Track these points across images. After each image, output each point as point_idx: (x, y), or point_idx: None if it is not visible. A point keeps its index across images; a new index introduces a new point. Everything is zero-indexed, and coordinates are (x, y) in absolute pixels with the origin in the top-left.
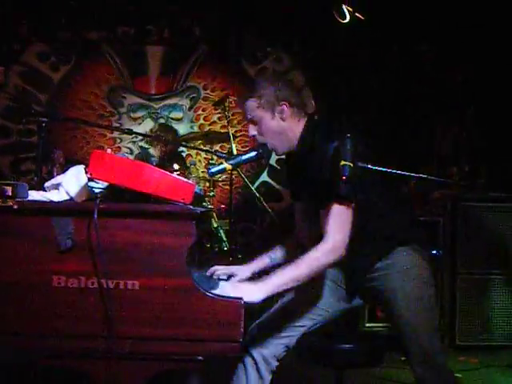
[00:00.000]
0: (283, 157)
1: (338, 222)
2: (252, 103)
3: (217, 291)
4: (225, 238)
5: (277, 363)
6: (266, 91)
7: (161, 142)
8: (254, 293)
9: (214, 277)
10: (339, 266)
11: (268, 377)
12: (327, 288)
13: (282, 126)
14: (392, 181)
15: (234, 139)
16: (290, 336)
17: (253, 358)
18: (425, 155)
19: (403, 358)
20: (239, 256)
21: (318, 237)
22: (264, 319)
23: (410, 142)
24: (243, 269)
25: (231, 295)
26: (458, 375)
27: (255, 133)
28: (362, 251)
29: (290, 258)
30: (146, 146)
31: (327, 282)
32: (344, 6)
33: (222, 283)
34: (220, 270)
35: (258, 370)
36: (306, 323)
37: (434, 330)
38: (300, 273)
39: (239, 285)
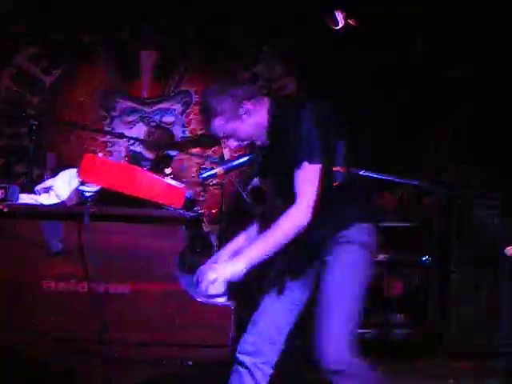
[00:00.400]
0: None
1: (307, 184)
2: (218, 123)
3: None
4: (215, 243)
5: (271, 370)
6: (224, 103)
7: (157, 145)
8: (232, 266)
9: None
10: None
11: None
12: (288, 278)
13: (254, 121)
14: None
15: (224, 143)
16: (279, 338)
17: (247, 368)
18: (420, 155)
19: (395, 364)
20: None
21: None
22: (252, 327)
23: (405, 142)
24: (222, 253)
25: (209, 278)
26: (451, 381)
27: (236, 143)
28: (320, 224)
29: None
30: (138, 150)
31: (284, 271)
32: (336, 13)
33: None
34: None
35: (253, 376)
36: (288, 320)
37: (351, 319)
38: (274, 238)
39: (217, 266)
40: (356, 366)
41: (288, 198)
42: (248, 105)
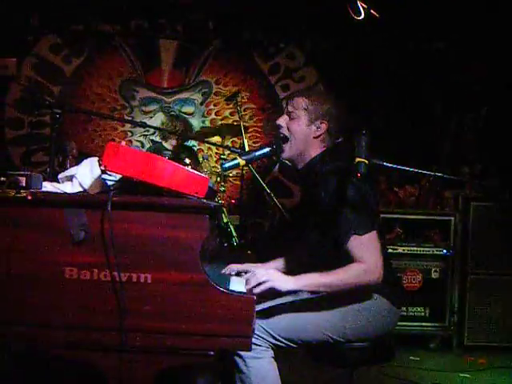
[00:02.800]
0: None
1: (366, 249)
2: (301, 101)
3: (231, 286)
4: (234, 234)
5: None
6: (320, 102)
7: (174, 134)
8: (284, 281)
9: (227, 272)
10: None
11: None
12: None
13: (310, 139)
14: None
15: (245, 134)
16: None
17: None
18: (437, 155)
19: (412, 357)
20: (248, 251)
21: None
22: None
23: (422, 141)
24: (258, 267)
25: (260, 278)
26: (465, 375)
27: (283, 125)
28: None
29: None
30: (158, 140)
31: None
32: (359, 3)
33: (233, 278)
34: (235, 267)
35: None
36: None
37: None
38: (336, 283)
39: (271, 271)
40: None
41: (313, 253)
42: (324, 126)
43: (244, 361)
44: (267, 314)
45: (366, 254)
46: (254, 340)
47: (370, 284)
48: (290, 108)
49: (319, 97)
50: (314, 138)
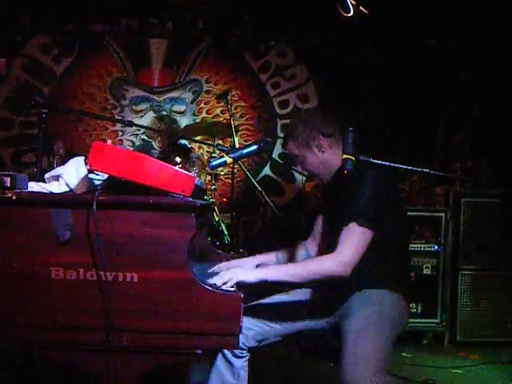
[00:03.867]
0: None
1: (353, 242)
2: (292, 146)
3: (213, 279)
4: (226, 232)
5: (242, 351)
6: (299, 130)
7: (161, 134)
8: (248, 273)
9: (216, 271)
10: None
11: (239, 363)
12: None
13: (323, 158)
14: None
15: (236, 133)
16: (259, 331)
17: (224, 356)
18: (427, 151)
19: (405, 354)
20: (241, 250)
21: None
22: None
23: (412, 138)
24: (247, 261)
25: (225, 277)
26: (458, 371)
27: (303, 170)
28: (355, 280)
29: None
30: (148, 139)
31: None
32: (348, 0)
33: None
34: (224, 264)
35: (230, 364)
36: (277, 327)
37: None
38: (297, 271)
39: (233, 268)
40: None
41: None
42: (322, 141)
43: None
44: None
45: (348, 247)
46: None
47: (336, 277)
48: (293, 157)
49: (296, 127)
50: (324, 153)
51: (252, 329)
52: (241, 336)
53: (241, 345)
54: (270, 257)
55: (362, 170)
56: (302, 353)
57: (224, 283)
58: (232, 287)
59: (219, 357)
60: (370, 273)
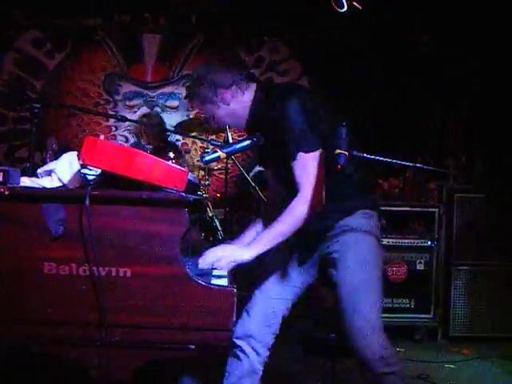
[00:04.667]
0: None
1: (308, 172)
2: (196, 105)
3: (212, 280)
4: (220, 227)
5: (267, 352)
6: (200, 89)
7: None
8: (243, 252)
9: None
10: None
11: (260, 368)
12: (289, 265)
13: (229, 109)
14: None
15: (229, 128)
16: (275, 322)
17: (243, 351)
18: (421, 147)
19: (398, 349)
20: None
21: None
22: (247, 310)
23: (406, 134)
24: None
25: (210, 258)
26: (450, 366)
27: (215, 125)
28: (322, 212)
29: None
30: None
31: (286, 258)
32: None
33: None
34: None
35: (250, 363)
36: (284, 306)
37: (377, 302)
38: (278, 231)
39: (227, 248)
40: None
41: (290, 186)
42: (223, 93)
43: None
44: None
45: (305, 179)
46: None
47: (311, 211)
48: (202, 113)
49: (197, 86)
50: (230, 104)
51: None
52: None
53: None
54: (252, 233)
55: (277, 100)
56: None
57: (215, 261)
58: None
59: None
60: (340, 196)
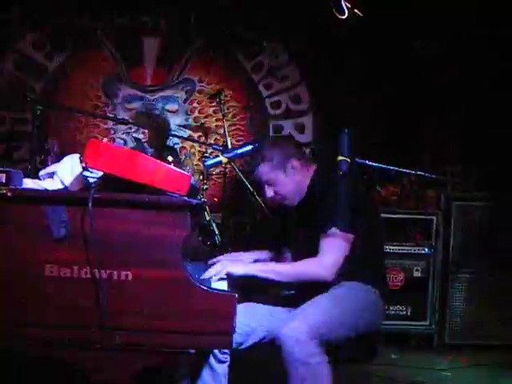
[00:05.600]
0: None
1: (335, 246)
2: (264, 168)
3: (213, 284)
4: (217, 232)
5: (225, 355)
6: (274, 153)
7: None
8: (236, 266)
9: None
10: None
11: (220, 368)
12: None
13: (296, 179)
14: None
15: (228, 133)
16: (240, 333)
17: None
18: (417, 154)
19: (393, 356)
20: (228, 249)
21: None
22: None
23: (404, 141)
24: (244, 255)
25: (215, 267)
26: (447, 373)
27: (272, 194)
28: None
29: None
30: (141, 138)
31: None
32: (343, 2)
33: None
34: (222, 257)
35: (209, 365)
36: (251, 325)
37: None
38: (284, 271)
39: (223, 261)
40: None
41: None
42: (295, 162)
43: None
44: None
45: (329, 250)
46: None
47: (320, 280)
48: (264, 180)
49: (270, 150)
50: (297, 175)
51: None
52: None
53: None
54: (265, 254)
55: (328, 181)
56: None
57: (215, 273)
58: (223, 279)
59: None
60: (343, 271)
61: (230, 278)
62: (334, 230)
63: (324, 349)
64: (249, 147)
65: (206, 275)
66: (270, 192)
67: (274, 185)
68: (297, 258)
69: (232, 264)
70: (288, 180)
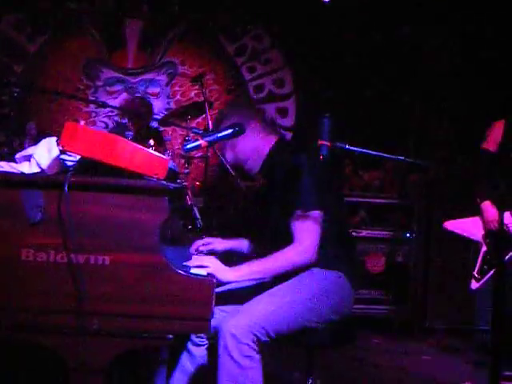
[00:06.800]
0: None
1: (307, 228)
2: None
3: (190, 262)
4: (198, 216)
5: (202, 339)
6: (234, 114)
7: (134, 116)
8: (226, 273)
9: (194, 252)
10: None
11: (197, 351)
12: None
13: (255, 143)
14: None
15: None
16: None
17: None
18: (402, 140)
19: (374, 340)
20: (214, 233)
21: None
22: None
23: (387, 126)
24: (220, 241)
25: (203, 262)
26: (427, 357)
27: (232, 157)
28: None
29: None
30: (123, 121)
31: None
32: None
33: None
34: (200, 241)
35: (189, 353)
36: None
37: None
38: (269, 267)
39: (215, 261)
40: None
41: (284, 232)
42: (254, 123)
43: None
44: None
45: (304, 234)
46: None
47: (304, 265)
48: (225, 143)
49: (231, 114)
50: (253, 136)
51: None
52: None
53: None
54: (241, 243)
55: (292, 157)
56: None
57: (200, 266)
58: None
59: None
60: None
61: None
62: (302, 211)
63: (263, 344)
64: (229, 131)
65: (190, 264)
66: (230, 155)
67: (234, 147)
68: (267, 242)
69: (221, 270)
70: (247, 142)
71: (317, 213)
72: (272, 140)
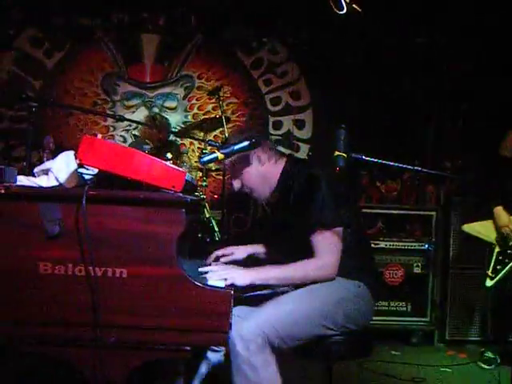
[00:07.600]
0: None
1: (327, 245)
2: (228, 162)
3: (208, 275)
4: (217, 229)
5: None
6: (236, 144)
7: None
8: (240, 277)
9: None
10: None
11: (214, 357)
12: None
13: (261, 170)
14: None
15: (227, 129)
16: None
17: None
18: (418, 150)
19: (393, 352)
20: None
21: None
22: None
23: (403, 137)
24: (240, 249)
25: (221, 275)
26: (446, 369)
27: (239, 185)
28: None
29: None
30: (139, 135)
31: None
32: None
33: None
34: (220, 252)
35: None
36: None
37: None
38: (287, 275)
39: (232, 270)
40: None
41: (305, 248)
42: (259, 152)
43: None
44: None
45: (325, 251)
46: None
47: (322, 280)
48: (230, 172)
49: (236, 139)
50: (263, 165)
51: None
52: None
53: None
54: (260, 248)
55: (307, 172)
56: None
57: (217, 278)
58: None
59: None
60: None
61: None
62: (320, 230)
63: (277, 347)
64: (245, 143)
65: (209, 278)
66: (237, 184)
67: (240, 176)
68: (285, 254)
69: (239, 275)
70: (253, 171)
71: (338, 229)
72: (281, 164)
